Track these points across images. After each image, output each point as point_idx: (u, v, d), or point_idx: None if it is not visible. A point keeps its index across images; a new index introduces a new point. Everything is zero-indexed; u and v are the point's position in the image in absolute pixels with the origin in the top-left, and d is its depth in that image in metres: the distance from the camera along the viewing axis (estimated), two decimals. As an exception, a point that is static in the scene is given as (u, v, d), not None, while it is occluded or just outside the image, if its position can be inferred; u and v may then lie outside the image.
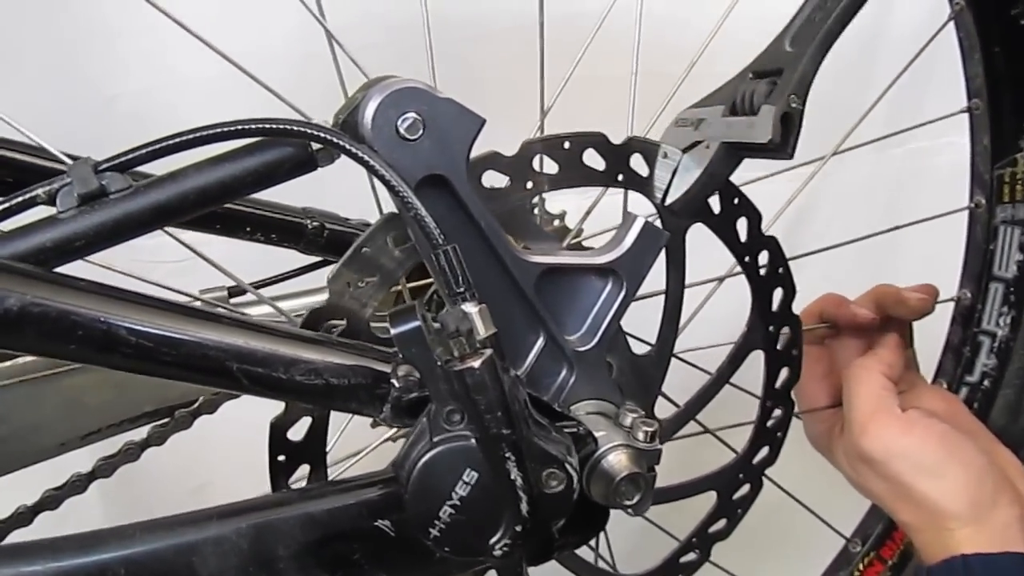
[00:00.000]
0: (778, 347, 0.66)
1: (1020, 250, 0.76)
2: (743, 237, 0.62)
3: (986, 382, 0.79)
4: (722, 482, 0.69)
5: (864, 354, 0.73)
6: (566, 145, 0.56)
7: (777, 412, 0.68)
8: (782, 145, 0.52)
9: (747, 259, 0.63)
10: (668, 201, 0.58)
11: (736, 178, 0.60)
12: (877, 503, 0.70)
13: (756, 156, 0.55)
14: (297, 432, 0.56)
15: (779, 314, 0.65)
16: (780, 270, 0.64)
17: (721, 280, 0.68)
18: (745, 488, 0.70)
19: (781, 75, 0.54)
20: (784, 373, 0.67)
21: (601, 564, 0.72)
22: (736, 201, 0.61)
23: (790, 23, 0.56)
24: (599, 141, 0.57)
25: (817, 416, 0.76)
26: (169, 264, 0.90)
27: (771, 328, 0.65)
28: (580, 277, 0.57)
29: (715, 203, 0.60)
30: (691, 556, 0.71)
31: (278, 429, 0.55)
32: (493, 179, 0.55)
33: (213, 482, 1.12)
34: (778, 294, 0.64)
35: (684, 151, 0.58)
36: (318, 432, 0.56)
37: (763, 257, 0.63)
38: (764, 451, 0.69)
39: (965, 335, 0.80)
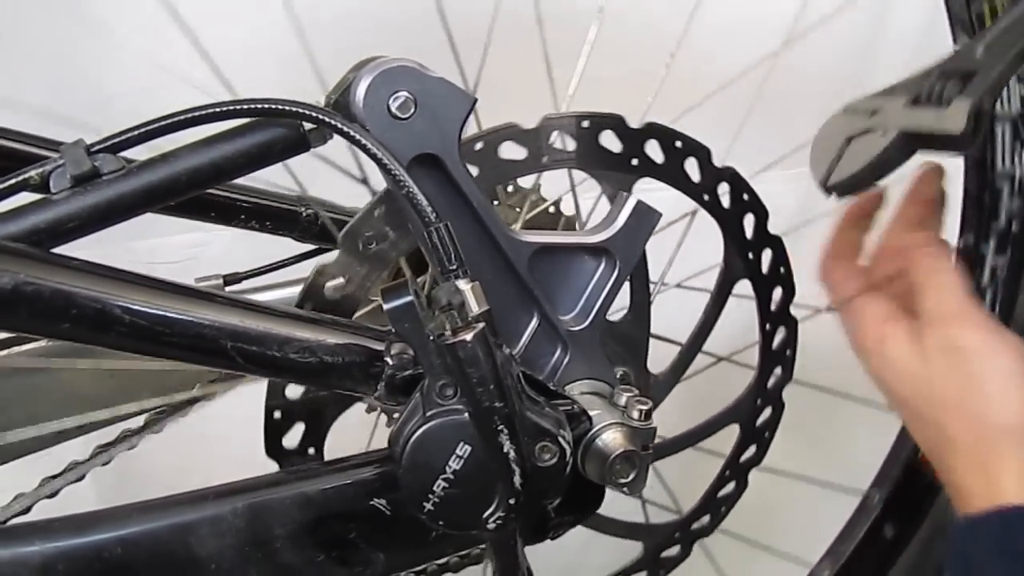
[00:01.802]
0: (763, 271, 0.65)
1: (1019, 81, 0.69)
2: (696, 178, 0.61)
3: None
4: (741, 412, 0.69)
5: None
6: (584, 124, 0.57)
7: (780, 333, 0.68)
8: (971, 139, 0.52)
9: (706, 197, 0.62)
10: (830, 183, 0.61)
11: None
12: (924, 409, 0.59)
13: (932, 148, 0.56)
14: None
15: (755, 240, 0.65)
16: (745, 196, 0.63)
17: (693, 214, 0.67)
18: (767, 412, 0.70)
19: (972, 77, 0.54)
20: (778, 292, 0.66)
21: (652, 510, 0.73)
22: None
23: (984, 32, 0.56)
24: (617, 123, 0.58)
25: (863, 308, 0.64)
26: (166, 265, 0.90)
27: (751, 255, 0.65)
28: (573, 257, 0.58)
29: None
30: (729, 488, 0.71)
31: (276, 385, 0.55)
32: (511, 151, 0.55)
33: (211, 482, 1.12)
34: (750, 221, 0.64)
35: (851, 138, 0.61)
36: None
37: (723, 190, 0.63)
38: (778, 371, 0.69)
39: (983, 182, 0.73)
